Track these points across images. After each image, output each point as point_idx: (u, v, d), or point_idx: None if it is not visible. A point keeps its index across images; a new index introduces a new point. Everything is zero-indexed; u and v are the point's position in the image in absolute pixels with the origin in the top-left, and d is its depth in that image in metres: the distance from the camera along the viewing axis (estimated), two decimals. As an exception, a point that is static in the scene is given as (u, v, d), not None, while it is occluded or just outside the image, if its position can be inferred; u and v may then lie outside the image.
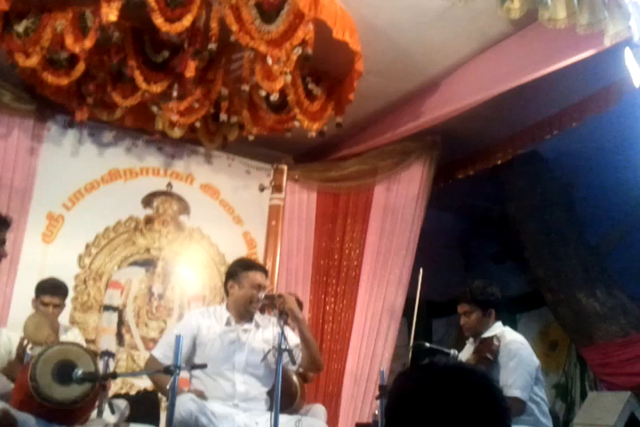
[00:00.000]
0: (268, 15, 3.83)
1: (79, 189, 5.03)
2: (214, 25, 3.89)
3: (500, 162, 5.61)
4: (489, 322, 3.74)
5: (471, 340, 3.84)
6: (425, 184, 5.55)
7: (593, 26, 3.31)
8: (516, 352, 3.56)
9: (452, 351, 3.82)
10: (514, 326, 5.44)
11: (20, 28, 3.96)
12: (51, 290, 4.12)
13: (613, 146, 5.22)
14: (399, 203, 5.54)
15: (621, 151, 5.12)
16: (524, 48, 4.08)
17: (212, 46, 3.91)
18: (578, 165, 5.70)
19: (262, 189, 5.53)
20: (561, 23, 3.31)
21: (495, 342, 3.61)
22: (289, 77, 4.02)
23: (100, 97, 4.57)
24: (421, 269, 4.50)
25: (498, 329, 3.73)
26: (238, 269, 3.71)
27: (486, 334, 3.71)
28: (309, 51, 3.76)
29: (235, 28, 3.84)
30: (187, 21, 3.73)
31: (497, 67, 4.31)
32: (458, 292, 3.83)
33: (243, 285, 3.63)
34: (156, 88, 4.26)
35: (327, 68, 4.42)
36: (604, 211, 5.63)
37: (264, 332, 3.68)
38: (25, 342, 3.38)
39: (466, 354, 3.80)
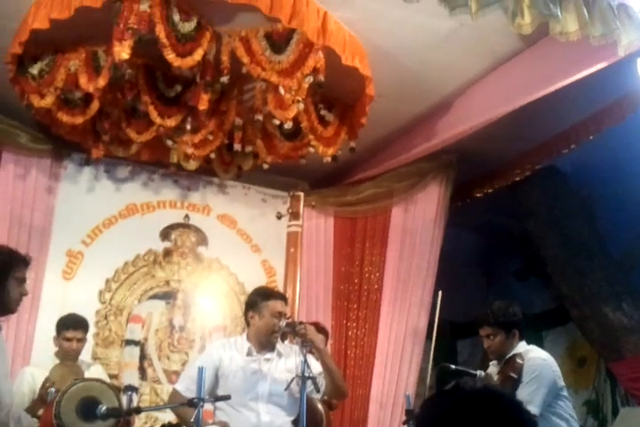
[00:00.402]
0: (277, 46, 3.87)
1: (97, 225, 5.07)
2: (225, 58, 3.93)
3: (517, 178, 5.57)
4: (513, 343, 3.70)
5: (495, 362, 3.80)
6: (442, 204, 5.52)
7: (606, 36, 3.28)
8: (536, 368, 3.53)
9: (479, 372, 3.77)
10: (540, 344, 5.36)
11: (34, 70, 4.01)
12: (72, 324, 4.12)
13: (631, 157, 5.17)
14: (417, 224, 5.51)
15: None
16: (535, 64, 4.06)
17: (225, 79, 3.95)
18: (596, 178, 5.63)
19: (280, 216, 5.52)
20: (573, 36, 3.27)
21: (519, 360, 3.58)
22: (301, 105, 4.02)
23: (115, 134, 4.62)
24: (440, 292, 4.46)
25: (522, 348, 3.69)
26: (257, 299, 3.69)
27: (510, 354, 3.67)
28: (322, 78, 3.77)
29: (246, 59, 3.88)
30: (198, 55, 3.77)
31: (509, 84, 4.30)
32: (478, 314, 3.80)
33: (263, 314, 3.61)
34: (171, 122, 4.29)
35: (338, 93, 4.42)
36: (625, 223, 5.55)
37: (286, 361, 3.64)
38: (48, 383, 3.38)
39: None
